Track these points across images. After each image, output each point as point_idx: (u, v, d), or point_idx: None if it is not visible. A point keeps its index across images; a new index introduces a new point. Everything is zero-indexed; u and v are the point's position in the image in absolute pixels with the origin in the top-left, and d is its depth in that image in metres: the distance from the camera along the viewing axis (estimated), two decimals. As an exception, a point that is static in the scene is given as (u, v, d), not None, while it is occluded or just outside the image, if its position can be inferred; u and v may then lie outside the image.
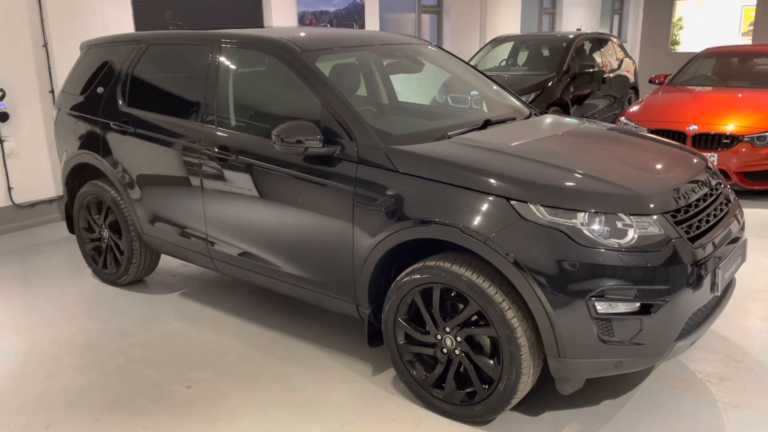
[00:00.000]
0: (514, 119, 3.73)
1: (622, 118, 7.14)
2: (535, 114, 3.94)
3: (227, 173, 3.57)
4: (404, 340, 3.01)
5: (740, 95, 7.21)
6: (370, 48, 4.15)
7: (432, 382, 2.96)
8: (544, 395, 3.05)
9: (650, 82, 8.54)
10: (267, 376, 3.34)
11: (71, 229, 4.79)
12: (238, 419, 2.99)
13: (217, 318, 4.04)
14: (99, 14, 6.15)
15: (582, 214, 2.59)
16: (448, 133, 3.24)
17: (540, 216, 2.60)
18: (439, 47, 4.48)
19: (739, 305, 4.00)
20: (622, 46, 10.68)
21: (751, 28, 15.85)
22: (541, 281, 2.54)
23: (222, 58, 3.74)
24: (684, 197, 2.83)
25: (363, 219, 3.01)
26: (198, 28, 4.29)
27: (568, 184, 2.73)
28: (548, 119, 3.90)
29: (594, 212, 2.60)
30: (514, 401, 2.77)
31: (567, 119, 4.02)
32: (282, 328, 3.86)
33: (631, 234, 2.59)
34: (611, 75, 9.79)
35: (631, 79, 10.58)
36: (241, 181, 3.50)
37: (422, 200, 2.85)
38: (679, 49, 18.49)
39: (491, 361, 2.76)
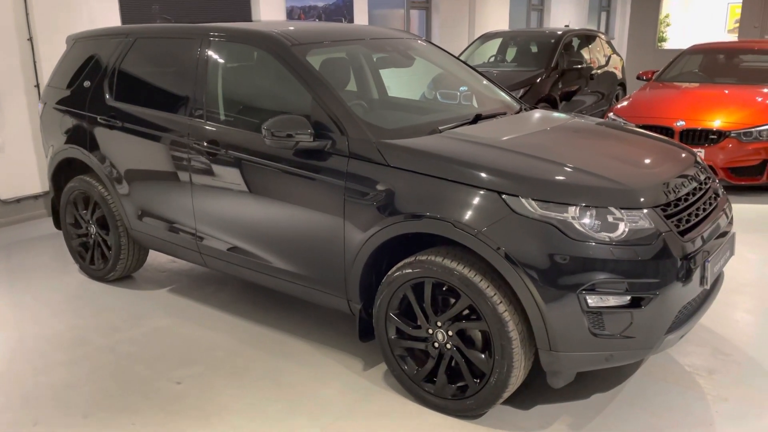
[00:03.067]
0: (504, 114, 3.73)
1: (611, 114, 7.17)
2: (525, 109, 3.94)
3: (216, 168, 3.54)
4: (395, 335, 3.00)
5: (727, 91, 7.26)
6: (361, 42, 4.13)
7: (423, 377, 2.96)
8: (535, 389, 3.06)
9: (638, 78, 8.59)
10: (257, 372, 3.33)
11: (57, 225, 4.74)
12: (229, 415, 2.98)
13: (206, 314, 4.01)
14: (85, 8, 6.08)
15: (573, 208, 2.60)
16: (440, 128, 3.24)
17: (531, 210, 2.60)
18: (430, 42, 4.47)
19: (726, 299, 4.03)
20: (609, 43, 10.73)
21: (737, 25, 16.01)
22: (533, 275, 2.54)
23: (211, 52, 3.70)
24: (674, 191, 2.85)
25: (354, 213, 3.00)
26: (186, 22, 4.25)
27: (559, 178, 2.74)
28: (538, 114, 3.91)
29: (585, 206, 2.61)
30: (506, 395, 2.77)
31: (557, 114, 4.03)
32: (272, 324, 3.84)
33: (622, 228, 2.60)
34: (599, 71, 9.84)
35: (619, 75, 10.64)
36: (231, 175, 3.48)
37: (414, 194, 2.84)
38: (666, 45, 18.62)
39: (482, 355, 2.76)
